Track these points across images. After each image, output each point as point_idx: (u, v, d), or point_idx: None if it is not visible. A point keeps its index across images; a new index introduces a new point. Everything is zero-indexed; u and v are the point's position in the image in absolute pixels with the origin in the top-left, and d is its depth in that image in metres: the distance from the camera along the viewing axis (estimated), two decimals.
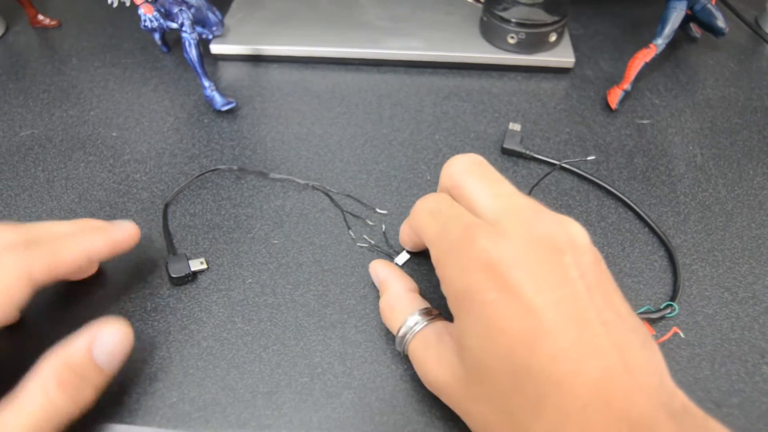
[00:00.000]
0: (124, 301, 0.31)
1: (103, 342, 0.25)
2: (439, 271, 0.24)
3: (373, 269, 0.31)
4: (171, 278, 0.31)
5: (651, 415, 0.19)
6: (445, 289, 0.24)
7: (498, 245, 0.21)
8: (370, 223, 0.35)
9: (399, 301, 0.28)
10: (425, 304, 0.28)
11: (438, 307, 0.28)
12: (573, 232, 0.23)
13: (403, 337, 0.27)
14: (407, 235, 0.31)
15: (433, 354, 0.25)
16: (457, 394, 0.23)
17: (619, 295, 0.22)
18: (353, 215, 0.35)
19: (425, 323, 0.26)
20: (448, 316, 0.26)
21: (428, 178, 0.38)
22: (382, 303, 0.29)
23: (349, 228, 0.35)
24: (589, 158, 0.39)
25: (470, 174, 0.26)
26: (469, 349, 0.22)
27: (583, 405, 0.19)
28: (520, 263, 0.21)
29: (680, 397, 0.20)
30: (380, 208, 0.36)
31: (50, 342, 0.30)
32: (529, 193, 0.37)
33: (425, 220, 0.26)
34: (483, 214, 0.24)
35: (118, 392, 0.27)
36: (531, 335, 0.20)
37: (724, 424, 0.20)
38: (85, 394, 0.24)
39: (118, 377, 0.28)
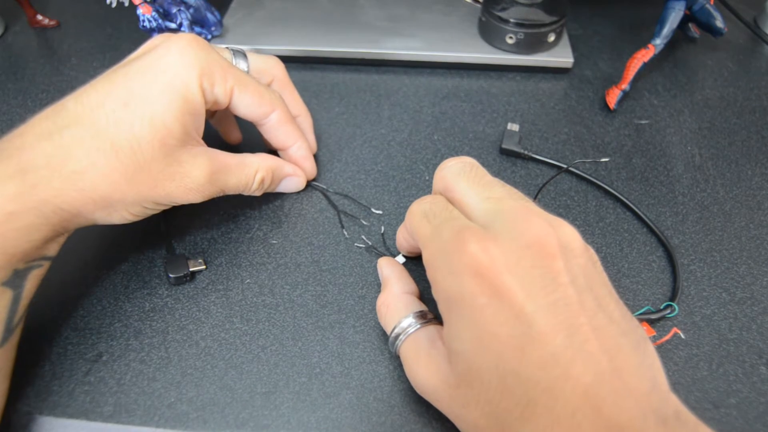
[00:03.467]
0: (122, 301, 0.31)
1: (287, 182, 0.35)
2: (430, 274, 0.24)
3: (379, 267, 0.31)
4: (169, 278, 0.31)
5: (640, 420, 0.19)
6: (436, 292, 0.24)
7: (488, 250, 0.21)
8: (365, 223, 0.35)
9: (396, 301, 0.28)
10: (421, 307, 0.28)
11: (435, 310, 0.28)
12: (565, 235, 0.22)
13: (396, 337, 0.27)
14: (404, 238, 0.31)
15: (424, 357, 0.25)
16: (446, 398, 0.23)
17: (613, 298, 0.22)
18: (349, 214, 0.35)
19: (419, 326, 0.26)
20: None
21: (426, 178, 0.38)
22: (379, 301, 0.29)
23: (342, 227, 0.35)
24: (603, 159, 0.39)
25: (462, 177, 0.26)
26: (459, 354, 0.22)
27: (573, 411, 0.19)
28: (510, 268, 0.21)
29: (673, 402, 0.20)
30: (378, 209, 0.36)
31: (41, 338, 0.30)
32: (536, 197, 0.37)
33: (419, 222, 0.26)
34: (475, 218, 0.24)
35: (117, 392, 0.27)
36: (521, 341, 0.20)
37: (717, 430, 0.20)
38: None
39: (115, 377, 0.28)
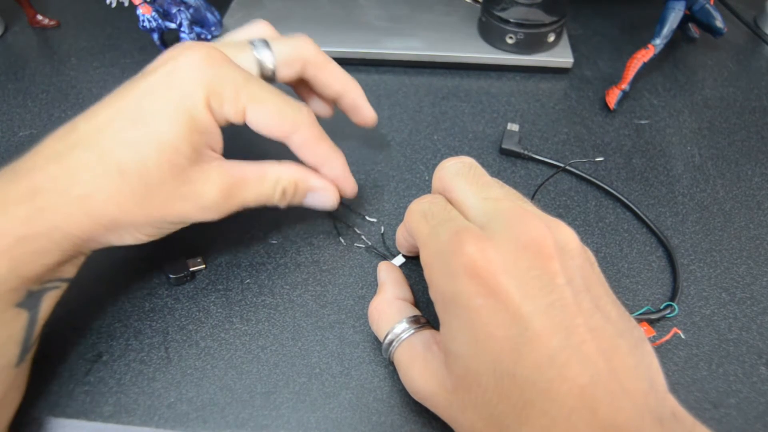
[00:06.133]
0: (122, 301, 0.31)
1: (313, 197, 0.31)
2: (427, 275, 0.24)
3: (378, 270, 0.31)
4: (169, 278, 0.31)
5: (637, 421, 0.19)
6: (433, 293, 0.24)
7: (485, 251, 0.21)
8: (358, 231, 0.35)
9: (388, 307, 0.28)
10: (415, 312, 0.28)
11: (430, 314, 0.28)
12: (562, 236, 0.22)
13: (390, 344, 0.27)
14: (404, 238, 0.31)
15: (419, 363, 0.25)
16: (444, 402, 0.23)
17: (610, 299, 0.22)
18: (342, 221, 0.35)
19: (413, 331, 0.26)
20: (437, 325, 0.25)
21: (426, 178, 0.38)
22: (372, 306, 0.29)
23: (339, 234, 0.34)
24: (598, 159, 0.39)
25: (460, 177, 0.26)
26: (456, 356, 0.22)
27: (569, 412, 0.19)
28: (507, 270, 0.21)
29: (670, 403, 0.20)
30: (378, 209, 0.36)
31: (41, 338, 0.30)
32: (533, 196, 0.37)
33: (418, 222, 0.26)
34: (472, 218, 0.24)
35: (117, 392, 0.27)
36: (517, 342, 0.20)
37: (716, 430, 0.20)
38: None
39: (115, 377, 0.28)
